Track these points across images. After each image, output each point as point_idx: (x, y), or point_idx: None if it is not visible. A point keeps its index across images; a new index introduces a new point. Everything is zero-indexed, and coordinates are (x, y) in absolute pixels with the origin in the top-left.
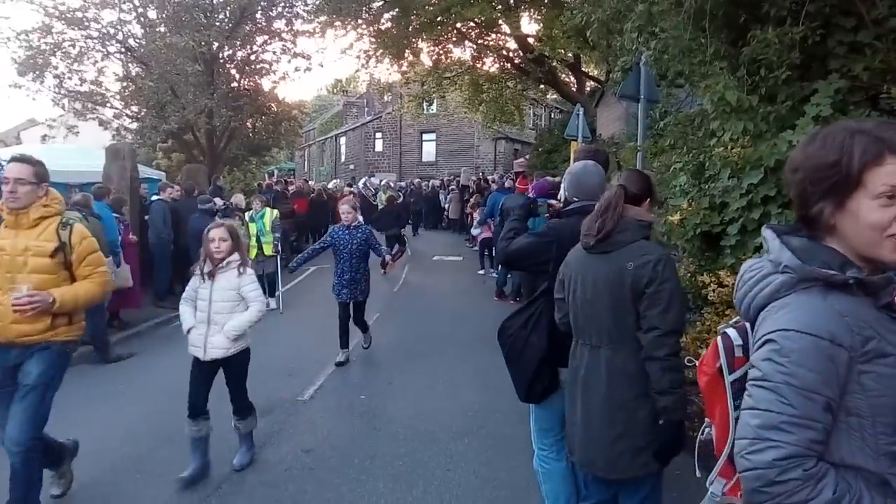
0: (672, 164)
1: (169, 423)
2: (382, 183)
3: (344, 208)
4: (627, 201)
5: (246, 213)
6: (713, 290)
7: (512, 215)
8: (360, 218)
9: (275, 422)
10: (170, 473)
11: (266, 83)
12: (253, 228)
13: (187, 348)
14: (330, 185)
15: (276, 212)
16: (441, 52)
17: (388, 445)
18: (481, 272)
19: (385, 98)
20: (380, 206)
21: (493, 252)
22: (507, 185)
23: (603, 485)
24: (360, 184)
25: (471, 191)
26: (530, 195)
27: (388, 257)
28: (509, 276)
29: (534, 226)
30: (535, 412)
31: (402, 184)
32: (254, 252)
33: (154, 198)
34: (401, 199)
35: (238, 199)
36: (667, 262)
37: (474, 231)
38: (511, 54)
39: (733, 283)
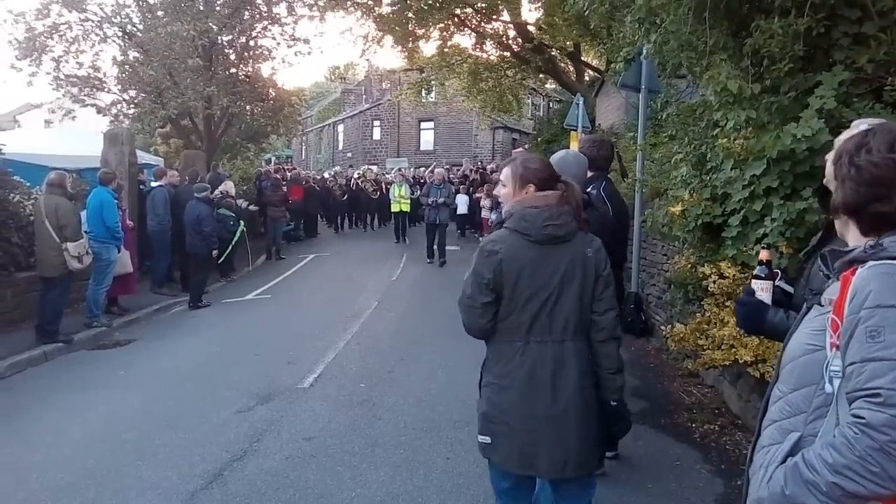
0: (673, 155)
1: (169, 409)
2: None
3: None
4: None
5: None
6: (713, 282)
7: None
8: None
9: (275, 409)
10: (171, 459)
11: (265, 69)
12: None
13: (187, 334)
14: (356, 174)
15: None
16: (442, 39)
17: (389, 433)
18: None
19: (383, 85)
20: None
21: None
22: None
23: (529, 490)
24: (396, 170)
25: (470, 179)
26: None
27: None
28: None
29: None
30: None
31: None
32: None
33: (154, 184)
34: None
35: (228, 186)
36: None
37: (493, 216)
38: (510, 42)
39: (734, 275)
